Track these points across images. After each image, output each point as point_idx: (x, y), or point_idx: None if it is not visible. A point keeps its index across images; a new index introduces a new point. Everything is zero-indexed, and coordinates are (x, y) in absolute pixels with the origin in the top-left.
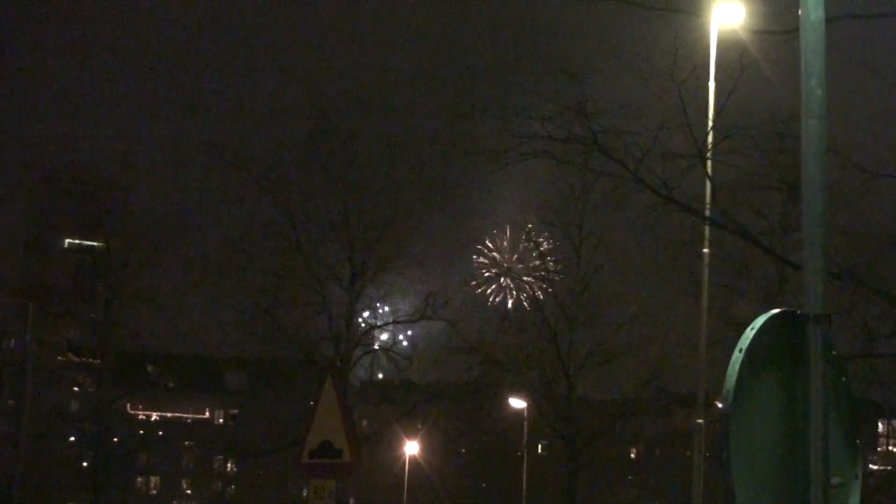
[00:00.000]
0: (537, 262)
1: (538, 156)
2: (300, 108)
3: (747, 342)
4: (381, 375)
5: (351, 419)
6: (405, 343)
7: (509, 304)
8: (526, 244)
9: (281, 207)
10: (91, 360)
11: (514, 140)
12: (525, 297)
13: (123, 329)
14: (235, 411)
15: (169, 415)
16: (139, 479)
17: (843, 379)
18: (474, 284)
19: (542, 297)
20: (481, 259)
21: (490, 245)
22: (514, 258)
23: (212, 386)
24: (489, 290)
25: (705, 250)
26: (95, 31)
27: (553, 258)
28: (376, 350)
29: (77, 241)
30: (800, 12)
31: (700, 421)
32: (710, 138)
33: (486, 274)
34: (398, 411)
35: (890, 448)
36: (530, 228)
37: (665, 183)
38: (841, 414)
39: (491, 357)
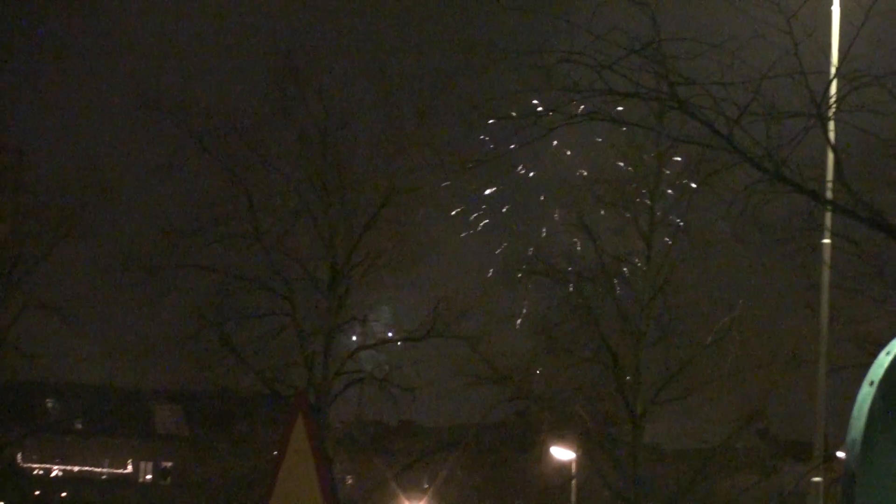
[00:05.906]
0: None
1: (594, 118)
2: (263, 46)
3: (881, 372)
4: (372, 415)
5: (330, 475)
6: (405, 370)
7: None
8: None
9: (235, 180)
10: None
11: (559, 97)
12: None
13: (13, 349)
14: (169, 464)
15: (76, 469)
16: None
17: None
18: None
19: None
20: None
21: None
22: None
23: (136, 429)
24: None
25: (826, 241)
26: None
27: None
28: (366, 379)
29: None
30: None
31: (817, 479)
32: (832, 90)
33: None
34: (396, 465)
35: None
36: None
37: (770, 153)
38: None
39: (526, 389)
